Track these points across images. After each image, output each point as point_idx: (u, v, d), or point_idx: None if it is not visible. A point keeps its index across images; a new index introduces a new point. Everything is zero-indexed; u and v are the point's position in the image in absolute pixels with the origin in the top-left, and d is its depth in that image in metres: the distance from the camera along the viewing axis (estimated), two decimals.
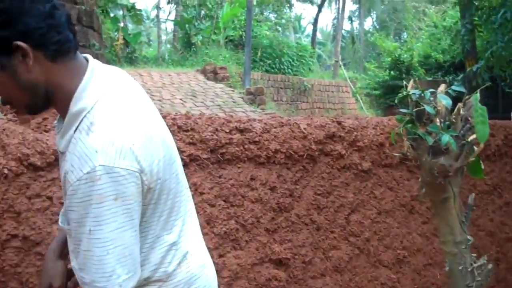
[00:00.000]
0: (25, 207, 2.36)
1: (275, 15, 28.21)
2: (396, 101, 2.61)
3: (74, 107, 1.44)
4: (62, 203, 2.45)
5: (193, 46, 20.10)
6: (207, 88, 14.53)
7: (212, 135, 3.00)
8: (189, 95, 13.37)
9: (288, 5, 29.93)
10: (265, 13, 27.05)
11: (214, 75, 15.51)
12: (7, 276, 2.31)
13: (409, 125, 2.55)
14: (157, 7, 30.40)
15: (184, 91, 13.65)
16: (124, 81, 1.57)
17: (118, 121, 1.41)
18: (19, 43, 1.36)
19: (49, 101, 1.49)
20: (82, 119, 1.43)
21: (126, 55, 18.42)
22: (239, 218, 3.10)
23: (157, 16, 30.78)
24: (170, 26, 33.71)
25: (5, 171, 2.32)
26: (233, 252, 3.06)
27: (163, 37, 34.82)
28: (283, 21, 28.26)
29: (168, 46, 30.71)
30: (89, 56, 1.55)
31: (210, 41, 19.78)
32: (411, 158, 2.68)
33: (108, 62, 8.88)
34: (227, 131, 3.08)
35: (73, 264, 1.49)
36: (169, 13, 32.52)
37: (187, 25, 21.06)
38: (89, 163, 1.34)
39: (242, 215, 3.12)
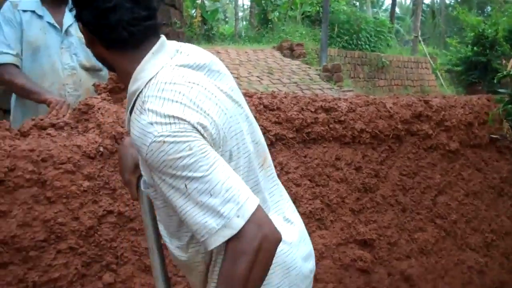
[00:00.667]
0: (120, 184, 2.44)
1: None
2: (495, 81, 2.51)
3: (130, 88, 1.54)
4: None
5: (270, 23, 20.04)
6: (284, 65, 14.50)
7: (297, 114, 3.00)
8: (265, 72, 13.39)
9: None
10: None
11: (290, 51, 15.44)
12: (103, 250, 2.40)
13: (510, 106, 2.46)
14: None
15: (261, 68, 13.67)
16: (187, 56, 1.59)
17: (166, 95, 1.44)
18: (79, 24, 1.56)
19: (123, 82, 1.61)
20: (136, 99, 1.50)
21: (204, 32, 18.60)
22: (324, 198, 3.10)
23: None
24: (246, 2, 33.72)
25: (101, 149, 2.40)
26: (318, 232, 3.06)
27: (240, 14, 34.92)
28: None
29: (245, 22, 30.77)
30: (162, 37, 1.60)
31: (287, 17, 19.67)
32: (511, 140, 2.58)
33: (187, 39, 9.00)
34: (313, 110, 3.06)
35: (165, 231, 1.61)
36: None
37: (263, 1, 21.00)
38: (149, 136, 1.40)
39: (327, 194, 3.11)
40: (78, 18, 1.55)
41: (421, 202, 3.45)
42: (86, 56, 3.29)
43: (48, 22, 3.23)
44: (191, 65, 1.57)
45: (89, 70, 3.32)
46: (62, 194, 2.29)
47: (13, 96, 3.32)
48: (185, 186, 1.41)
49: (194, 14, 17.33)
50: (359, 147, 3.24)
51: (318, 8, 19.30)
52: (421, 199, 3.45)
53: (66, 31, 3.28)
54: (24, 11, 3.20)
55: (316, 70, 14.48)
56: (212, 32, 19.37)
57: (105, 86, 2.70)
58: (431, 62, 21.48)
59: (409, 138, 3.42)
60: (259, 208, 1.43)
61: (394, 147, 3.36)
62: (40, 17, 3.22)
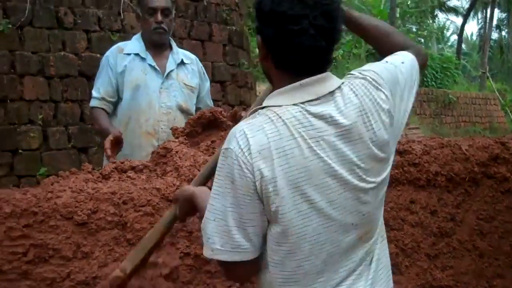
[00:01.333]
0: (197, 226, 2.47)
1: (417, 26, 27.51)
2: None
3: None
4: None
5: (334, 61, 20.09)
6: None
7: None
8: None
9: (431, 15, 29.08)
10: (407, 25, 26.48)
11: None
12: None
13: None
14: None
15: None
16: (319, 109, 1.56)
17: (254, 127, 1.52)
18: (258, 37, 1.61)
19: None
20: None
21: None
22: (398, 242, 3.04)
23: None
24: None
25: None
26: (393, 277, 2.98)
27: None
28: (426, 32, 27.45)
29: None
30: (325, 73, 1.60)
31: (351, 55, 19.69)
32: None
33: (254, 79, 9.12)
34: None
35: None
36: None
37: None
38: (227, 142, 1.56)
39: (402, 239, 3.05)
40: (258, 31, 1.61)
41: (499, 247, 3.34)
42: (184, 99, 3.59)
43: (150, 65, 3.53)
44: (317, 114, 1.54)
45: (184, 112, 3.59)
46: (141, 236, 2.33)
47: None
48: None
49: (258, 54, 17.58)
50: (434, 190, 3.18)
51: None
52: (500, 244, 3.34)
53: (168, 74, 3.57)
54: (128, 54, 3.53)
55: None
56: None
57: (183, 130, 2.77)
58: (500, 98, 20.98)
59: (486, 181, 3.33)
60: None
61: (471, 190, 3.27)
62: (143, 59, 3.54)
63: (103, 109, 3.50)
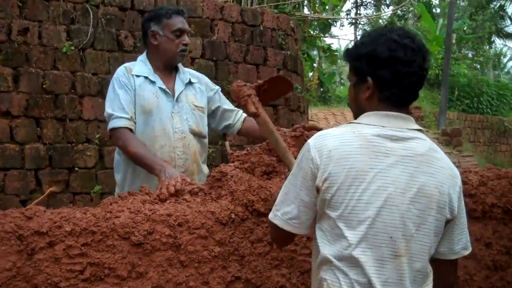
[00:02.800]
0: (248, 251, 2.50)
1: (474, 52, 27.07)
2: None
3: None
4: (281, 249, 2.56)
5: None
6: None
7: None
8: None
9: (488, 41, 28.59)
10: (463, 51, 26.10)
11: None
12: None
13: None
14: None
15: None
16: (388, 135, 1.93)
17: (337, 136, 1.92)
18: (369, 78, 1.93)
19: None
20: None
21: (320, 95, 18.83)
22: None
23: None
24: None
25: (232, 215, 2.48)
26: None
27: None
28: (482, 58, 26.97)
29: None
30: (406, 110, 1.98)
31: None
32: None
33: (307, 103, 9.14)
34: None
35: None
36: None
37: None
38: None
39: None
40: (369, 74, 1.92)
41: None
42: (196, 122, 3.46)
43: (160, 88, 3.41)
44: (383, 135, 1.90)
45: (196, 135, 3.47)
46: (194, 258, 2.38)
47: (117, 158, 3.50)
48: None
49: (311, 78, 17.64)
50: (489, 222, 3.11)
51: (437, 71, 19.00)
52: None
53: (178, 97, 3.44)
54: (138, 76, 3.39)
55: (435, 133, 14.16)
56: (328, 95, 19.57)
57: (238, 155, 2.81)
58: None
59: None
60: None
61: None
62: (153, 82, 3.40)
63: (131, 130, 3.29)
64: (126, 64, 3.49)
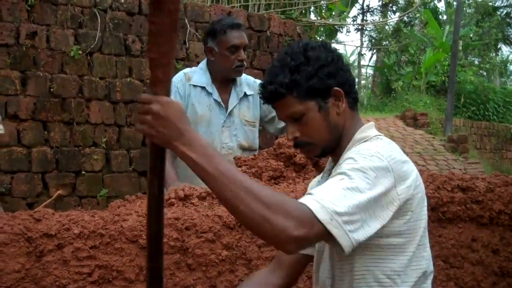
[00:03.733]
0: (256, 255, 2.50)
1: (480, 59, 27.04)
2: None
3: (357, 136, 1.79)
4: None
5: (393, 92, 19.96)
6: (406, 135, 14.30)
7: (433, 193, 2.95)
8: None
9: (494, 48, 28.55)
10: (469, 58, 26.06)
11: (414, 121, 15.22)
12: None
13: None
14: (359, 54, 30.80)
15: None
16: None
17: (388, 146, 1.71)
18: (338, 88, 1.74)
19: (337, 144, 1.80)
20: (362, 140, 1.76)
21: None
22: (458, 280, 2.99)
23: (358, 62, 31.16)
24: (369, 71, 33.90)
25: None
26: None
27: (362, 82, 35.08)
28: (488, 65, 26.93)
29: (367, 91, 30.86)
30: None
31: (411, 86, 19.49)
32: None
33: None
34: (449, 189, 3.00)
35: None
36: (370, 58, 32.80)
37: (387, 71, 21.00)
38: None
39: (462, 277, 3.00)
40: (334, 85, 1.74)
41: None
42: (245, 137, 3.47)
43: (215, 100, 3.42)
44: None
45: (246, 150, 3.47)
46: (202, 262, 2.38)
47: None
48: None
49: None
50: (497, 229, 3.11)
51: (443, 78, 18.99)
52: None
53: (230, 111, 3.45)
54: (195, 86, 3.41)
55: (441, 140, 14.13)
56: None
57: (245, 159, 2.82)
58: None
59: None
60: None
61: None
62: (209, 94, 3.42)
63: None
64: (186, 71, 3.52)
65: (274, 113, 3.57)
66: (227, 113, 3.44)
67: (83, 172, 6.25)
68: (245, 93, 3.55)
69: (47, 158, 6.04)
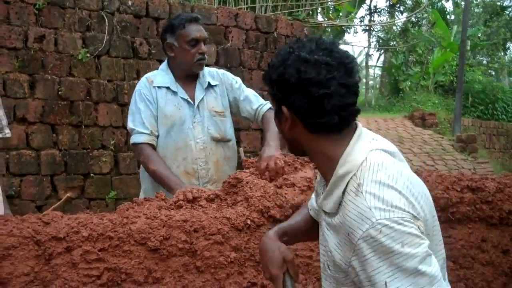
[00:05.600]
0: None
1: (489, 59, 26.92)
2: None
3: (340, 170, 1.58)
4: (297, 255, 2.56)
5: (401, 92, 19.90)
6: (415, 135, 14.26)
7: (442, 193, 2.93)
8: (396, 141, 13.21)
9: (503, 48, 28.41)
10: (478, 57, 25.96)
11: (422, 121, 15.18)
12: None
13: None
14: (367, 54, 30.73)
15: (391, 137, 13.50)
16: (383, 143, 1.66)
17: (383, 179, 1.50)
18: (284, 108, 1.60)
19: (304, 155, 1.71)
20: (349, 181, 1.54)
21: None
22: (468, 281, 2.97)
23: (366, 63, 31.08)
24: (377, 71, 33.81)
25: (248, 221, 2.49)
26: None
27: (370, 83, 35.00)
28: (497, 65, 26.81)
29: (374, 91, 30.78)
30: (357, 122, 1.66)
31: (419, 86, 19.44)
32: None
33: None
34: (458, 189, 2.99)
35: None
36: (378, 59, 32.71)
37: (395, 71, 20.94)
38: (366, 221, 1.45)
39: (472, 278, 2.98)
40: (283, 102, 1.61)
41: None
42: (217, 128, 3.44)
43: (182, 98, 3.39)
44: (388, 151, 1.62)
45: (219, 141, 3.44)
46: (210, 264, 2.38)
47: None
48: (385, 283, 1.42)
49: None
50: (507, 229, 3.09)
51: (451, 78, 18.92)
52: None
53: (198, 105, 3.42)
54: (159, 87, 3.38)
55: (449, 140, 14.08)
56: None
57: (253, 161, 2.81)
58: None
59: None
60: None
61: None
62: (175, 93, 3.39)
63: (152, 145, 3.31)
64: (148, 75, 3.48)
65: (242, 97, 3.56)
66: (195, 107, 3.41)
67: (91, 175, 6.26)
68: (209, 83, 3.51)
69: (55, 160, 6.06)
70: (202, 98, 3.46)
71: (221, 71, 3.66)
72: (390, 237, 1.41)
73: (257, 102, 3.59)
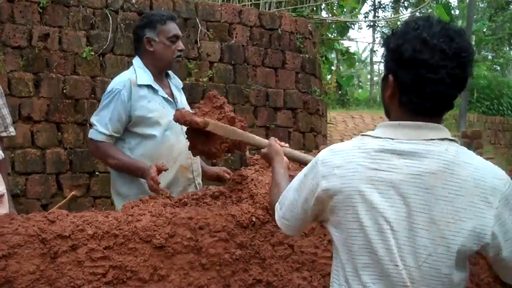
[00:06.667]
0: (269, 253, 2.49)
1: (494, 54, 26.84)
2: None
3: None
4: (302, 251, 2.56)
5: None
6: None
7: None
8: None
9: (508, 43, 28.32)
10: (483, 53, 25.88)
11: None
12: None
13: None
14: (371, 50, 30.67)
15: None
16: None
17: (342, 152, 1.73)
18: (390, 76, 1.69)
19: None
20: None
21: (339, 98, 18.77)
22: (474, 277, 2.94)
23: (371, 59, 31.02)
24: (381, 67, 33.76)
25: (253, 219, 2.48)
26: None
27: (375, 79, 34.94)
28: (502, 60, 26.72)
29: (379, 87, 30.72)
30: (456, 139, 1.70)
31: None
32: None
33: (326, 106, 9.11)
34: None
35: None
36: (382, 55, 32.63)
37: None
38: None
39: (478, 274, 2.96)
40: (391, 71, 1.69)
41: None
42: None
43: (163, 97, 3.38)
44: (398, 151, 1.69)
45: None
46: (215, 261, 2.38)
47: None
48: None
49: (330, 81, 17.60)
50: None
51: None
52: None
53: (178, 103, 3.45)
54: (142, 86, 3.33)
55: (455, 136, 14.02)
56: (347, 97, 19.50)
57: (257, 158, 2.81)
58: None
59: None
60: None
61: None
62: (156, 91, 3.37)
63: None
64: (128, 75, 3.39)
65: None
66: (177, 106, 3.40)
67: (96, 173, 6.28)
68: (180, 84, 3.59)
69: (61, 159, 6.08)
70: (180, 98, 3.51)
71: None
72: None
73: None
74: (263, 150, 2.39)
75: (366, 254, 1.66)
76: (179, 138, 3.36)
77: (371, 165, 1.65)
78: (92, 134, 3.32)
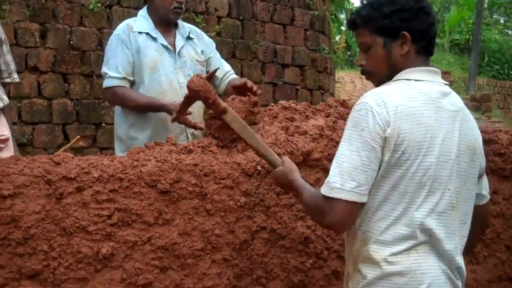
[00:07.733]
0: (274, 202, 2.50)
1: (506, 18, 26.44)
2: None
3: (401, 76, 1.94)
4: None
5: None
6: None
7: None
8: None
9: None
10: (494, 16, 25.50)
11: None
12: (254, 265, 2.46)
13: None
14: None
15: None
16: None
17: (397, 93, 1.86)
18: (406, 33, 1.91)
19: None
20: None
21: (347, 58, 18.62)
22: None
23: None
24: None
25: (259, 167, 2.48)
26: (470, 266, 2.92)
27: None
28: None
29: None
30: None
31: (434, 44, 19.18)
32: None
33: (334, 64, 9.05)
34: None
35: None
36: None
37: None
38: (361, 100, 1.87)
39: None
40: (404, 28, 1.90)
41: None
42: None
43: (162, 44, 3.42)
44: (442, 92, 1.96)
45: None
46: (220, 207, 2.39)
47: (117, 112, 3.58)
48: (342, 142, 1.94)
49: (339, 41, 17.45)
50: None
51: (468, 36, 18.65)
52: None
53: (179, 52, 3.47)
54: (140, 33, 3.40)
55: (464, 99, 13.89)
56: (355, 58, 19.30)
57: (265, 109, 2.79)
58: None
59: None
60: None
61: None
62: (154, 39, 3.42)
63: (124, 87, 3.37)
64: (127, 21, 3.50)
65: (215, 58, 3.65)
66: (177, 54, 3.46)
67: (103, 124, 6.29)
68: (189, 34, 3.57)
69: (67, 110, 6.09)
70: (183, 46, 3.51)
71: (199, 30, 3.75)
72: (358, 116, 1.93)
73: (227, 67, 3.70)
74: (276, 170, 2.21)
75: (428, 184, 1.83)
76: (172, 86, 3.40)
77: (432, 103, 1.86)
78: (106, 82, 3.38)
